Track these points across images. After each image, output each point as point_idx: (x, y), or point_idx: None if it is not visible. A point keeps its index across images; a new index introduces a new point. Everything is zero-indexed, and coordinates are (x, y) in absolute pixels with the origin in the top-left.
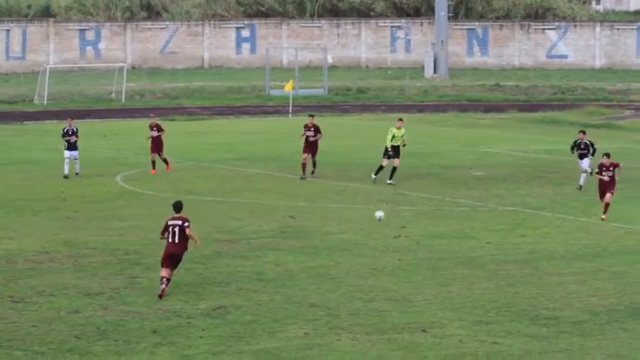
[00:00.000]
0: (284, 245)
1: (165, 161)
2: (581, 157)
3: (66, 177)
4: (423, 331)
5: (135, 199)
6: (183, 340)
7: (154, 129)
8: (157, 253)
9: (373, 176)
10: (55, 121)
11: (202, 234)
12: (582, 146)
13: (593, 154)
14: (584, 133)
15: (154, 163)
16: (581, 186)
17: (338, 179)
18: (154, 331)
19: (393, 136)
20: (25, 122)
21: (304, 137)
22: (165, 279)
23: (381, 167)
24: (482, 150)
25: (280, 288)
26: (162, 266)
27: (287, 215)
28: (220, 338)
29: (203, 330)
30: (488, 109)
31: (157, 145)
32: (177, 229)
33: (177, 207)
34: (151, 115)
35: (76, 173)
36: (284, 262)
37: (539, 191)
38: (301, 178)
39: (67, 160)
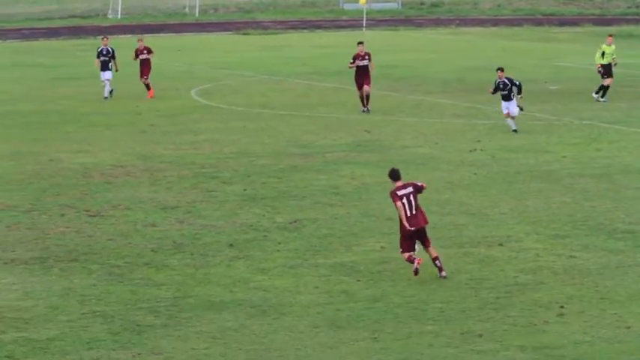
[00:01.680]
0: (359, 159)
1: (148, 86)
2: (505, 98)
3: (105, 98)
4: (500, 244)
5: (209, 113)
6: (260, 253)
7: (144, 52)
8: (233, 166)
9: (594, 95)
10: (129, 36)
11: (277, 148)
12: (501, 86)
13: (519, 93)
14: (501, 70)
15: (147, 85)
16: (515, 130)
17: (413, 93)
18: (231, 245)
19: (603, 53)
20: (98, 36)
21: (355, 67)
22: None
23: (602, 87)
24: (557, 64)
25: (356, 202)
26: (405, 250)
27: (362, 129)
28: (296, 252)
29: (279, 243)
30: (562, 22)
31: (146, 68)
32: (412, 198)
33: (397, 175)
34: (139, 39)
35: (105, 97)
36: (359, 175)
37: (614, 105)
38: (363, 112)
39: (106, 82)
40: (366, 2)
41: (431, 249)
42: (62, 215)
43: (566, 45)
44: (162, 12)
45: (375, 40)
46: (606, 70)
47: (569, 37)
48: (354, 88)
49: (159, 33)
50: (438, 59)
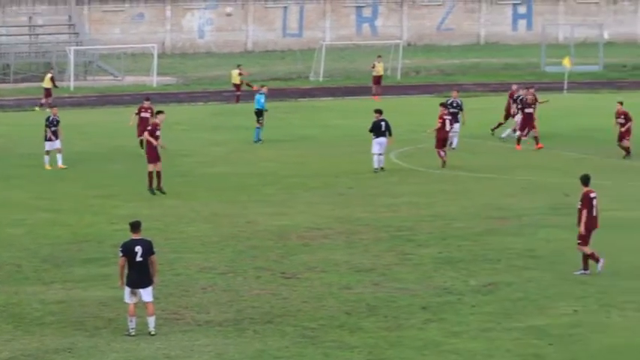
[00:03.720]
0: (556, 222)
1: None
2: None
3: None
4: None
5: (408, 176)
6: (453, 316)
7: (147, 111)
8: (429, 229)
9: None
10: (330, 98)
11: (474, 210)
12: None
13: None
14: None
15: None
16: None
17: (610, 156)
18: (424, 308)
19: None
20: (299, 99)
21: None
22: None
23: None
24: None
25: (551, 265)
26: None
27: (561, 192)
28: (490, 315)
29: (473, 306)
30: None
31: (144, 127)
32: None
33: (588, 180)
34: (145, 101)
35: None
36: (555, 239)
37: None
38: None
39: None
40: (571, 65)
41: None
42: (258, 277)
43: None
44: (363, 74)
45: (575, 102)
46: None
47: None
48: (557, 150)
49: (359, 95)
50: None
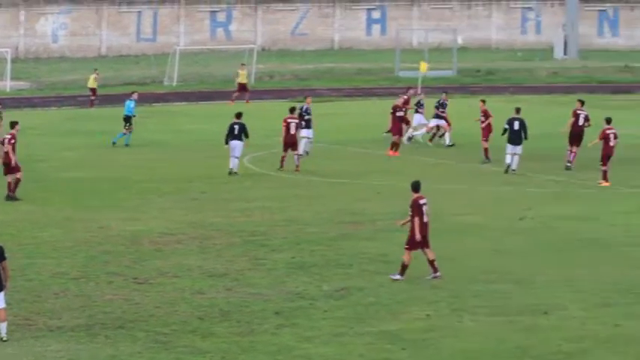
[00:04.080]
0: (407, 227)
1: None
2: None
3: None
4: (545, 313)
5: (262, 181)
6: (306, 321)
7: None
8: (283, 234)
9: None
10: (184, 103)
11: (328, 215)
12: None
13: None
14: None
15: None
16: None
17: (463, 161)
18: (277, 313)
19: None
20: (154, 104)
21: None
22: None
23: None
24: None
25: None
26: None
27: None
28: (342, 320)
29: (325, 311)
30: (616, 90)
31: None
32: (426, 208)
33: (419, 186)
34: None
35: None
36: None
37: None
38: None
39: None
40: (427, 70)
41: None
42: (110, 283)
43: (620, 113)
44: (217, 79)
45: (429, 106)
46: None
47: (622, 105)
48: (409, 155)
49: (213, 100)
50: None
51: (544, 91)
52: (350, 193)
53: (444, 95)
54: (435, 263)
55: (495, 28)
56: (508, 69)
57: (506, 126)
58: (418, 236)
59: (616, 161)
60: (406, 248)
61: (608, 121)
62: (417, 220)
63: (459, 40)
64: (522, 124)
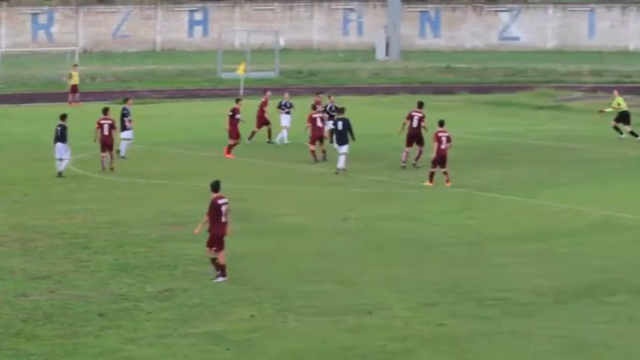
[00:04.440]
0: (232, 228)
1: None
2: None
3: None
4: (370, 312)
5: (85, 183)
6: (130, 323)
7: None
8: (106, 236)
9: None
10: (5, 105)
11: (150, 217)
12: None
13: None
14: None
15: None
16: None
17: (287, 162)
18: (101, 315)
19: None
20: None
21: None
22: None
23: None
24: (433, 132)
25: (228, 270)
26: (217, 250)
27: (237, 198)
28: (167, 321)
29: (149, 313)
30: (439, 91)
31: None
32: (226, 208)
33: (218, 186)
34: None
35: None
36: (232, 244)
37: (487, 173)
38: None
39: None
40: (245, 72)
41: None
42: None
43: (442, 113)
44: (39, 81)
45: (251, 108)
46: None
47: (445, 106)
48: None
49: (35, 102)
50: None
51: (366, 92)
52: (173, 195)
53: (286, 95)
54: (225, 269)
55: (317, 30)
56: (330, 70)
57: (332, 126)
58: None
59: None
60: (214, 250)
61: (441, 123)
62: (208, 219)
63: (281, 42)
64: (347, 124)
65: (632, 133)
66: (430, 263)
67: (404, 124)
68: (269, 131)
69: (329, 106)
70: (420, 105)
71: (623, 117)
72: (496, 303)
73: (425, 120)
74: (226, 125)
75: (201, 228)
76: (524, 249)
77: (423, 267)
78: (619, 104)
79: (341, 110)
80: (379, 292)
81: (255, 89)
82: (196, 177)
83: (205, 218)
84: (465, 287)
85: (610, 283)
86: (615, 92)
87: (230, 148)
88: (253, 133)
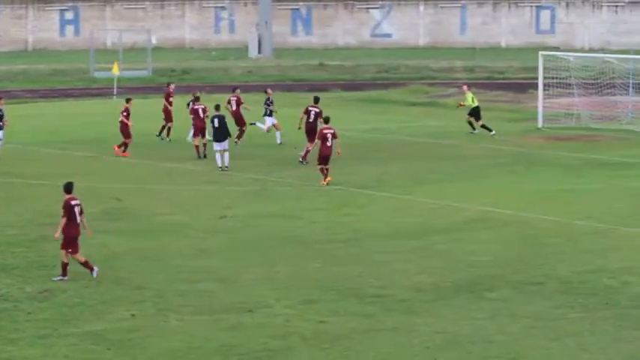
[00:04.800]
0: (110, 227)
1: None
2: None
3: None
4: (250, 311)
5: None
6: (10, 323)
7: None
8: None
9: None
10: None
11: (28, 217)
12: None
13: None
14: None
15: None
16: None
17: (165, 161)
18: None
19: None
20: None
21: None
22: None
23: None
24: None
25: (107, 270)
26: (73, 252)
27: (113, 197)
28: (47, 321)
29: (29, 313)
30: (312, 88)
31: None
32: (79, 209)
33: (71, 187)
34: None
35: None
36: (110, 244)
37: (364, 170)
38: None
39: None
40: (119, 71)
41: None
42: None
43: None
44: None
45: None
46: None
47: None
48: (106, 156)
49: None
50: (188, 126)
51: (240, 90)
52: (50, 195)
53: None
54: (90, 263)
55: (189, 28)
56: (203, 68)
57: (210, 123)
58: (57, 235)
59: (314, 159)
60: (69, 252)
61: (326, 120)
62: (64, 220)
63: (153, 40)
64: (223, 120)
65: (483, 126)
66: (309, 261)
67: (301, 119)
68: (167, 128)
69: (269, 99)
70: (317, 100)
71: (474, 112)
72: (376, 300)
73: (322, 115)
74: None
75: (60, 232)
76: (403, 246)
77: (302, 265)
78: (469, 101)
79: (217, 107)
80: (259, 290)
81: (129, 88)
82: (72, 177)
83: (62, 221)
84: (345, 284)
85: (489, 279)
86: (465, 87)
87: (125, 146)
88: (166, 128)
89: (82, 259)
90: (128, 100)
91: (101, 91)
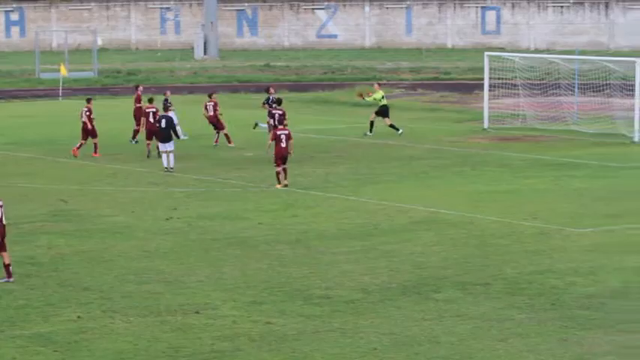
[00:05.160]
0: (56, 229)
1: None
2: None
3: None
4: (197, 312)
5: None
6: None
7: None
8: None
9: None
10: None
11: None
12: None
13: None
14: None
15: None
16: None
17: (110, 162)
18: None
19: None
20: None
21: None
22: None
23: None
24: (253, 130)
25: (53, 272)
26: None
27: (59, 199)
28: None
29: None
30: (258, 89)
31: None
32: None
33: None
34: None
35: None
36: (56, 245)
37: (310, 171)
38: None
39: None
40: (67, 73)
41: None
42: None
43: (263, 111)
44: None
45: (70, 109)
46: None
47: None
48: (52, 157)
49: None
50: (132, 127)
51: (186, 91)
52: None
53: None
54: (10, 268)
55: (135, 29)
56: (149, 69)
57: (157, 124)
58: None
59: (260, 160)
60: None
61: (280, 121)
62: None
63: (99, 41)
64: (170, 121)
65: (391, 126)
66: (256, 262)
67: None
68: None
69: (270, 98)
70: (279, 102)
71: (382, 111)
72: (323, 301)
73: (286, 117)
74: (88, 126)
75: None
76: (350, 246)
77: (248, 266)
78: (377, 99)
79: (166, 107)
80: (205, 291)
81: (75, 89)
82: (18, 177)
83: None
84: (291, 285)
85: (436, 280)
86: (376, 86)
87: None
88: (136, 132)
89: (7, 261)
90: (89, 100)
91: (47, 92)
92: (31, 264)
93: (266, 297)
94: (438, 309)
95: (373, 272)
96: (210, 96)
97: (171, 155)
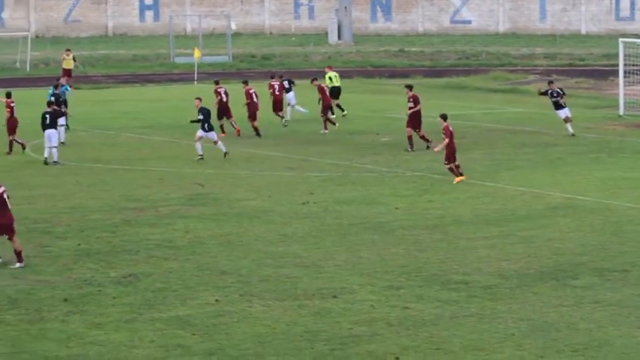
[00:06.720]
0: (193, 212)
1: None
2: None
3: None
4: (334, 297)
5: (43, 168)
6: (95, 308)
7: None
8: (67, 221)
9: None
10: None
11: (111, 202)
12: (555, 94)
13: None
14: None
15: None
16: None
17: (246, 146)
18: (65, 300)
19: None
20: None
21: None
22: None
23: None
24: (388, 115)
25: (190, 255)
26: (10, 237)
27: (195, 183)
28: (131, 306)
29: (114, 298)
30: (393, 74)
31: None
32: (6, 195)
33: None
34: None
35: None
36: (193, 229)
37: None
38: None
39: None
40: (200, 57)
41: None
42: None
43: (397, 96)
44: None
45: (206, 92)
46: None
47: (399, 89)
48: (187, 141)
49: None
50: (267, 112)
51: (320, 76)
52: (132, 180)
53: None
54: (22, 254)
55: (269, 14)
56: (283, 54)
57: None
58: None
59: (396, 145)
60: (7, 238)
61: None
62: None
63: (233, 26)
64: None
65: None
66: (393, 247)
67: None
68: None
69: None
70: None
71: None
72: (461, 286)
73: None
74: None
75: None
76: (487, 232)
77: (385, 250)
78: (330, 79)
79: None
80: (343, 275)
81: (209, 74)
82: (154, 161)
83: None
84: (429, 270)
85: (573, 267)
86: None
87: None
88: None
89: (18, 248)
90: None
91: (182, 76)
92: (169, 247)
93: (403, 282)
94: (575, 295)
95: (510, 258)
96: (272, 77)
97: (220, 143)
